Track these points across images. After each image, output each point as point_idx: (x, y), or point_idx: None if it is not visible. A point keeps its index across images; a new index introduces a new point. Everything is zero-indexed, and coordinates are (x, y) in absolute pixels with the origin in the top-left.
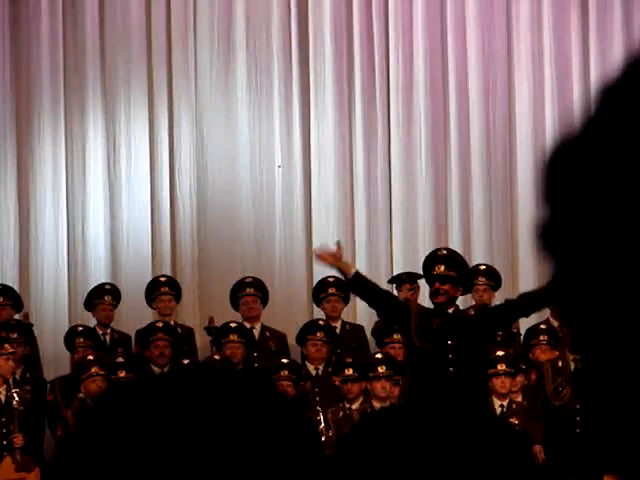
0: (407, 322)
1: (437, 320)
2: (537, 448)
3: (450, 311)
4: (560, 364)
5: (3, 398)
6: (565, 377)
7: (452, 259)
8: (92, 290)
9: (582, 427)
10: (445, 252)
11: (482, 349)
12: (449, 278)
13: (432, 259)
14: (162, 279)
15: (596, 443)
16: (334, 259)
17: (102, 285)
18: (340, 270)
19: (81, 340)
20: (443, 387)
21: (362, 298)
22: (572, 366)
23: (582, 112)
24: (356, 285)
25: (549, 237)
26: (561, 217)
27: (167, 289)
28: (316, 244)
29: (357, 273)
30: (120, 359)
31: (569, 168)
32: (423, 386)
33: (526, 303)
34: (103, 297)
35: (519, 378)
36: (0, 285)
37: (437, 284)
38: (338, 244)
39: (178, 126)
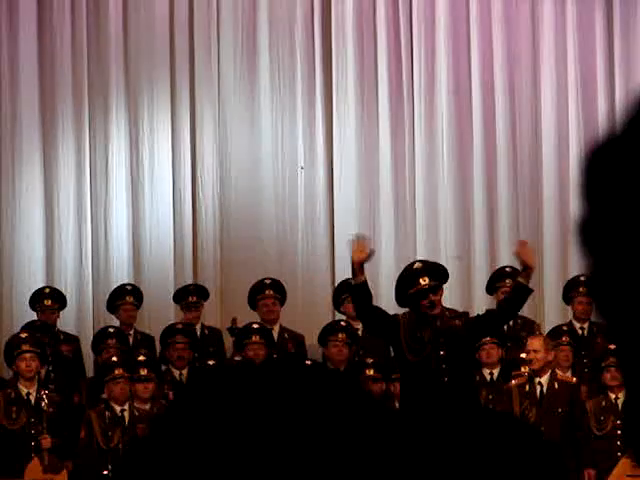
0: (397, 335)
1: (428, 332)
2: None
3: (439, 323)
4: (527, 388)
5: (33, 399)
6: (531, 401)
7: (431, 269)
8: (114, 291)
9: (624, 420)
10: (420, 264)
11: (471, 357)
12: (437, 287)
13: (411, 275)
14: (191, 287)
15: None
16: (365, 255)
17: (123, 286)
18: (356, 269)
19: (109, 341)
20: (438, 396)
21: (358, 307)
22: (538, 390)
23: (621, 113)
24: (361, 291)
25: (588, 234)
26: (600, 215)
27: (195, 298)
28: (338, 246)
29: (366, 281)
30: (141, 357)
31: (608, 168)
32: (417, 397)
33: (505, 310)
34: (125, 297)
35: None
36: (47, 288)
37: (431, 296)
38: (372, 251)
39: (200, 127)
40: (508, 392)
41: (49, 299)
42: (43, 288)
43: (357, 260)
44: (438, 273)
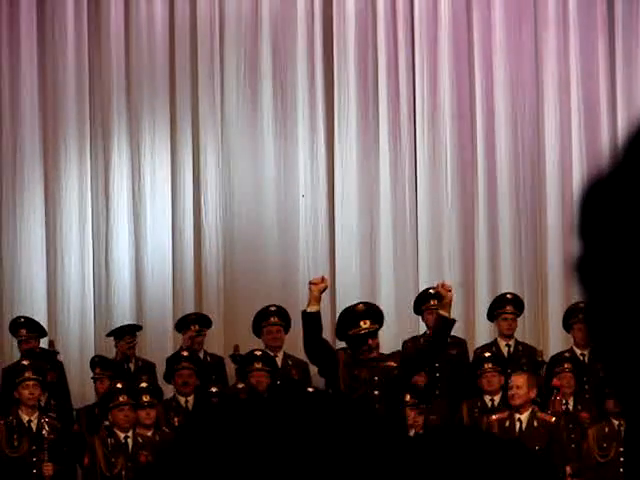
0: (336, 372)
1: (364, 371)
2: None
3: (374, 363)
4: (507, 424)
5: (34, 427)
6: (510, 436)
7: (371, 311)
8: (113, 330)
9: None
10: (362, 306)
11: (401, 395)
12: (376, 331)
13: (353, 316)
14: (192, 317)
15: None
16: (325, 285)
17: (122, 327)
18: (315, 297)
19: (100, 370)
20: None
21: (307, 336)
22: (517, 426)
23: (615, 149)
24: (313, 321)
25: (583, 271)
26: (595, 252)
27: (197, 327)
28: (340, 273)
29: (319, 312)
30: (143, 384)
31: (603, 205)
32: None
33: (431, 344)
34: (123, 337)
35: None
36: (22, 318)
37: (369, 340)
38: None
39: (204, 155)
40: (488, 426)
41: (24, 328)
42: (18, 318)
43: (318, 289)
44: (379, 316)
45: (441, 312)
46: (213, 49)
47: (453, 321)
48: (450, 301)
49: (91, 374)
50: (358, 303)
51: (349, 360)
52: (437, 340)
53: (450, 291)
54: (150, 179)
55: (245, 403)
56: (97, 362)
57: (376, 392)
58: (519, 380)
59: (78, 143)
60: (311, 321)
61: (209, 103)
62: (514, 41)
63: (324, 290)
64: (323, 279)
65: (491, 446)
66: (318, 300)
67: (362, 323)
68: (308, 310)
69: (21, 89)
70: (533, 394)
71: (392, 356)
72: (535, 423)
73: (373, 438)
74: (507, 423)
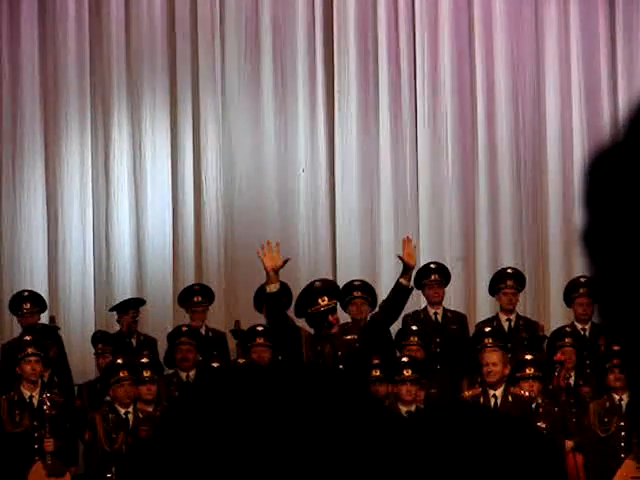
0: (299, 349)
1: (327, 346)
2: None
3: (336, 338)
4: (481, 400)
5: (35, 402)
6: None
7: (330, 288)
8: (117, 304)
9: (629, 417)
10: (319, 283)
11: (365, 366)
12: (335, 307)
13: (311, 293)
14: (196, 288)
15: None
16: (280, 262)
17: (126, 301)
18: (271, 276)
19: (102, 345)
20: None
21: (269, 314)
22: (492, 402)
23: (618, 121)
24: (275, 299)
25: (589, 241)
26: (601, 222)
27: (200, 299)
28: (340, 249)
29: (280, 290)
30: (145, 359)
31: (609, 175)
32: None
33: (387, 312)
34: (127, 311)
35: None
36: (26, 292)
37: (329, 317)
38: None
39: (204, 131)
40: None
41: (28, 302)
42: (22, 291)
43: (270, 266)
44: (336, 292)
45: (401, 280)
46: (213, 25)
47: (411, 289)
48: (412, 269)
49: (92, 350)
50: (315, 281)
51: (311, 336)
52: (393, 308)
53: (413, 259)
54: (150, 155)
55: (239, 376)
56: (99, 337)
57: (341, 366)
58: (493, 357)
59: (78, 119)
60: (272, 300)
61: (209, 79)
62: (514, 17)
63: (282, 266)
64: (275, 255)
65: (491, 422)
66: (276, 279)
67: (320, 300)
68: (267, 290)
69: (21, 65)
70: (507, 370)
71: (352, 329)
72: (509, 399)
73: (362, 415)
74: (481, 399)
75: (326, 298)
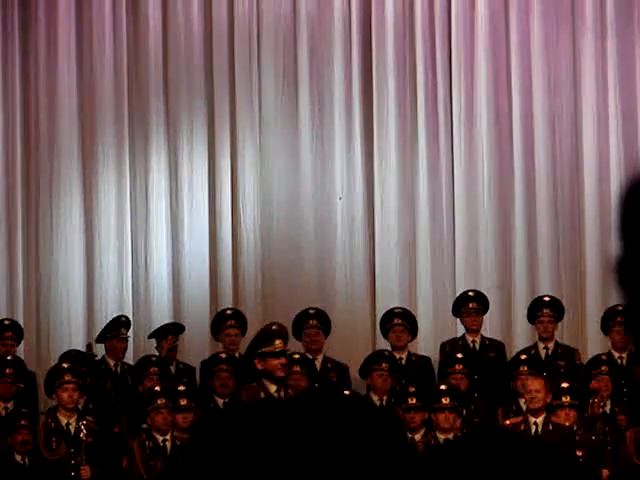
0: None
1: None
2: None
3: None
4: (522, 427)
5: (72, 429)
6: None
7: (284, 331)
8: (156, 330)
9: None
10: (277, 327)
11: None
12: (285, 351)
13: (268, 336)
14: (228, 312)
15: None
16: None
17: (165, 326)
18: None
19: (151, 370)
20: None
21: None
22: (533, 430)
23: None
24: None
25: (623, 272)
26: (635, 253)
27: (234, 322)
28: (378, 275)
29: None
30: (181, 387)
31: None
32: None
33: None
34: (167, 336)
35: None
36: (7, 320)
37: (283, 359)
38: None
39: (241, 157)
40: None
41: (9, 331)
42: (3, 320)
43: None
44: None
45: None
46: (251, 51)
47: None
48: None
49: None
50: (270, 324)
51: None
52: None
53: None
54: (188, 181)
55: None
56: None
57: None
58: (535, 384)
59: (116, 147)
60: None
61: (247, 106)
62: (552, 44)
63: None
64: None
65: (532, 450)
66: None
67: (277, 342)
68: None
69: (59, 92)
70: (549, 399)
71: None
72: (550, 427)
73: (396, 445)
74: (522, 427)
75: (280, 341)
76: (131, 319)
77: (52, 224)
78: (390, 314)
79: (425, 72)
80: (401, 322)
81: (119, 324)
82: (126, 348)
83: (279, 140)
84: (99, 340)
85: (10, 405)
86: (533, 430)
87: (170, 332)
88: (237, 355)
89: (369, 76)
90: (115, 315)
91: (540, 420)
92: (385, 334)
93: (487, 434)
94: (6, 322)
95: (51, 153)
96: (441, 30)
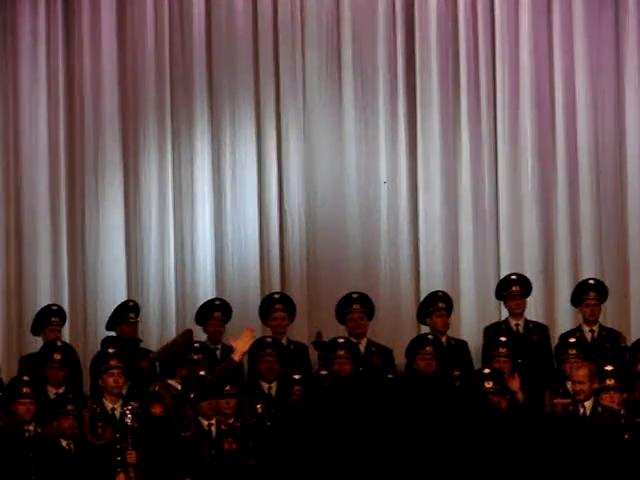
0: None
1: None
2: None
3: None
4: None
5: (118, 414)
6: None
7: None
8: (202, 306)
9: None
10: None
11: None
12: None
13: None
14: (276, 296)
15: None
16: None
17: (212, 301)
18: (240, 352)
19: (195, 357)
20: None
21: (225, 379)
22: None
23: None
24: (236, 368)
25: None
26: None
27: (281, 306)
28: (422, 259)
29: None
30: None
31: None
32: None
33: (214, 384)
34: (213, 313)
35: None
36: (131, 302)
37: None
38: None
39: (286, 143)
40: (552, 410)
41: (55, 316)
42: (49, 305)
43: (246, 350)
44: None
45: (234, 357)
46: (294, 37)
47: (241, 366)
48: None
49: None
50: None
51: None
52: (221, 382)
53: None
54: (233, 168)
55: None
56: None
57: None
58: (579, 374)
59: (159, 131)
60: (238, 370)
61: (291, 90)
62: (594, 27)
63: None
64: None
65: (582, 432)
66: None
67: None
68: (238, 361)
69: (102, 76)
70: (595, 384)
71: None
72: (599, 409)
73: (468, 419)
74: (571, 408)
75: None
76: (174, 305)
77: (97, 211)
78: (433, 297)
79: (468, 53)
80: (444, 306)
81: (127, 309)
82: (136, 332)
83: (323, 125)
84: (108, 327)
85: (62, 390)
86: (581, 412)
87: (216, 309)
88: (284, 340)
89: (412, 58)
90: (123, 300)
91: (588, 404)
92: (425, 318)
93: (536, 417)
94: (53, 307)
95: (96, 137)
96: (484, 12)
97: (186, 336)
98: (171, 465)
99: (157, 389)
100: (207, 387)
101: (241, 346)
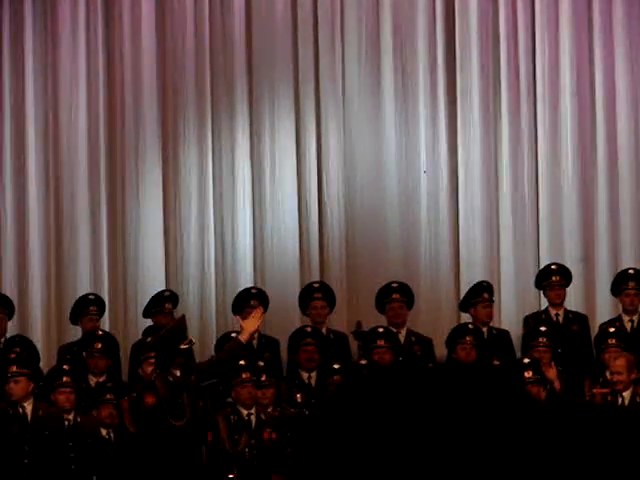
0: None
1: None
2: None
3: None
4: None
5: None
6: None
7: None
8: (238, 295)
9: None
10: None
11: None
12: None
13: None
14: (315, 285)
15: None
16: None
17: (249, 290)
18: (248, 332)
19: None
20: None
21: (231, 360)
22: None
23: None
24: (243, 349)
25: None
26: None
27: (320, 295)
28: (462, 249)
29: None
30: (261, 363)
31: None
32: None
33: (216, 365)
34: (249, 301)
35: None
36: (167, 291)
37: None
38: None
39: (326, 133)
40: (591, 399)
41: (94, 305)
42: (87, 295)
43: (255, 330)
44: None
45: (240, 338)
46: (334, 28)
47: (246, 344)
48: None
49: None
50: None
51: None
52: (227, 362)
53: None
54: (273, 159)
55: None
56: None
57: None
58: (617, 365)
59: (198, 121)
60: (243, 349)
61: (330, 81)
62: (635, 21)
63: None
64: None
65: (622, 420)
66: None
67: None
68: (244, 341)
69: (142, 63)
70: (634, 374)
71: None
72: (638, 399)
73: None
74: (610, 398)
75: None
76: (214, 295)
77: (137, 198)
78: (479, 287)
79: (508, 44)
80: (489, 297)
81: (163, 299)
82: None
83: (363, 115)
84: (145, 315)
85: (103, 379)
86: (620, 401)
87: (251, 297)
88: (324, 330)
89: (452, 48)
90: (159, 290)
91: (627, 394)
92: (469, 308)
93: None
94: (90, 297)
95: (135, 126)
96: (524, 4)
97: (179, 322)
98: (161, 453)
99: (153, 378)
100: (210, 368)
101: (249, 326)
